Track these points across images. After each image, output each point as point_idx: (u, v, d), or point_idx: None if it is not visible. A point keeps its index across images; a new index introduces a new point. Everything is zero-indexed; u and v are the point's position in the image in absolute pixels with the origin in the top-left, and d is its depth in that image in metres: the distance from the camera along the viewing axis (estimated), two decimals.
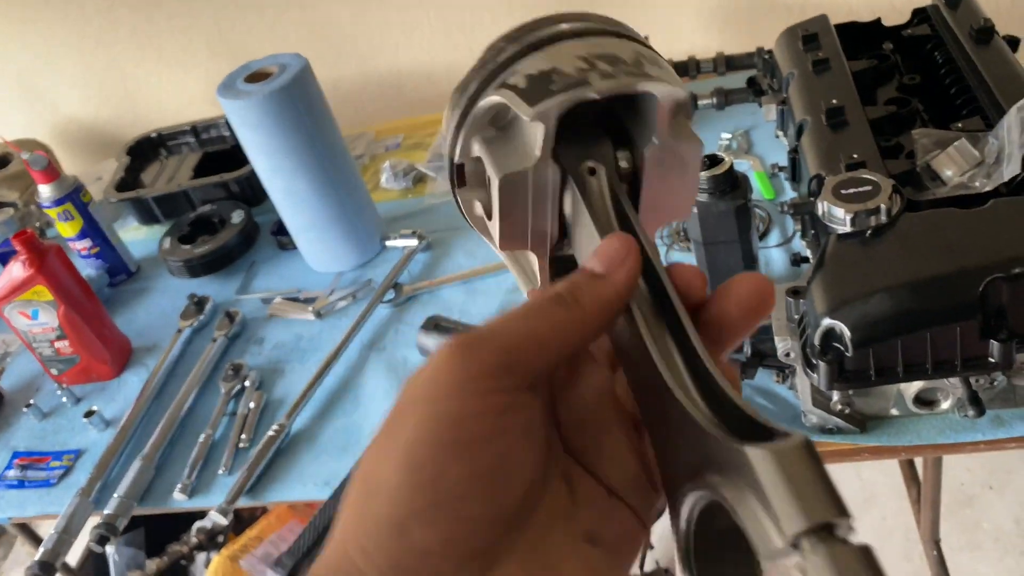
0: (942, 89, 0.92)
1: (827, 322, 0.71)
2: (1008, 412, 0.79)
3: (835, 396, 0.80)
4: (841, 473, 1.57)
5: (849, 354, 0.71)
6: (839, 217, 0.75)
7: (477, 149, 0.34)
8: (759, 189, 1.13)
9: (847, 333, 0.70)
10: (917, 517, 1.35)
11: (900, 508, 1.48)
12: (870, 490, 1.53)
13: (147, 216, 1.44)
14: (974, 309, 0.67)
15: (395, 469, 0.27)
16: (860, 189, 0.75)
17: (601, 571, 0.30)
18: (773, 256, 1.02)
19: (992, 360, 0.69)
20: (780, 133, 1.00)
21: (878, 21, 1.02)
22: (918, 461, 1.37)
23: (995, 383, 0.77)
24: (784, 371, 0.84)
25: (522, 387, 0.28)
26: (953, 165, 0.80)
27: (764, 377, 0.87)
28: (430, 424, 0.27)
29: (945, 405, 0.79)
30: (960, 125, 0.84)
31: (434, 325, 1.01)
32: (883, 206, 0.73)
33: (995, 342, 0.68)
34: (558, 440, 0.32)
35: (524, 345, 0.28)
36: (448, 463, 0.27)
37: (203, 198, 1.40)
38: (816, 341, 0.72)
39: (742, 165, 1.18)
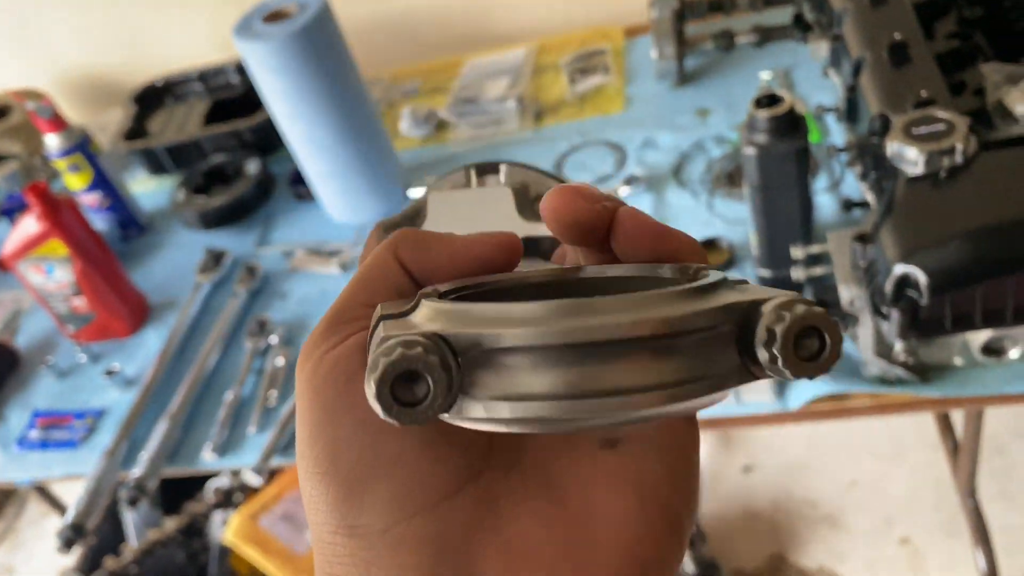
0: (1007, 22, 0.87)
1: (900, 268, 0.67)
2: None
3: (898, 345, 0.77)
4: (869, 424, 1.55)
5: (924, 302, 0.67)
6: (911, 158, 0.70)
7: None
8: None
9: (923, 280, 0.66)
10: (952, 468, 1.33)
11: (930, 459, 1.46)
12: (899, 442, 1.52)
13: (156, 167, 1.39)
14: None
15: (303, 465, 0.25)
16: (932, 128, 0.71)
17: (638, 482, 0.25)
18: (822, 201, 0.98)
19: None
20: (831, 71, 0.95)
21: None
22: (955, 412, 1.35)
23: None
24: (845, 320, 0.81)
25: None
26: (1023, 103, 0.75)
27: None
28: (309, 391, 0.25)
29: (1014, 354, 0.76)
30: None
31: None
32: (958, 146, 0.69)
33: None
34: None
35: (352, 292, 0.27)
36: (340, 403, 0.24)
37: (215, 147, 1.35)
38: (888, 289, 0.68)
39: None
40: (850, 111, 0.89)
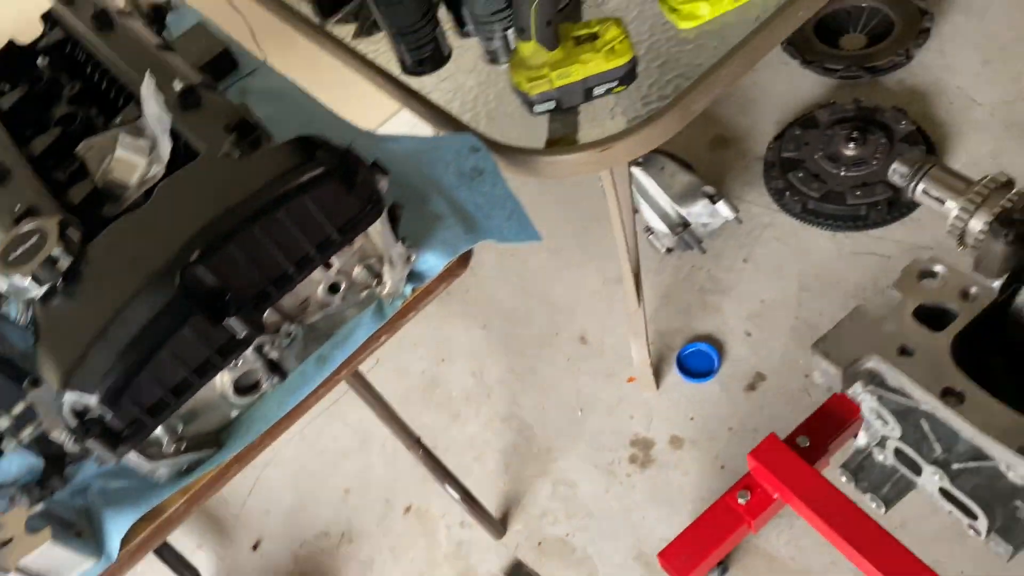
0: (101, 88, 0.86)
1: (69, 397, 0.62)
2: (324, 349, 0.79)
3: (165, 439, 0.73)
4: (327, 431, 1.58)
5: (110, 416, 0.63)
6: (26, 286, 0.65)
7: None
8: None
9: (94, 399, 0.62)
10: (394, 429, 1.41)
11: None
12: (363, 430, 1.57)
13: None
14: (188, 305, 0.63)
15: None
16: (28, 244, 0.66)
17: None
18: None
19: (242, 336, 0.66)
20: None
21: (11, 43, 0.92)
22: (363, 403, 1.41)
23: (292, 335, 0.77)
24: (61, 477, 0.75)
25: None
26: (128, 167, 0.74)
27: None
28: None
29: (267, 384, 0.77)
30: (119, 119, 0.79)
31: None
32: (56, 251, 0.65)
33: (231, 321, 0.65)
34: None
35: None
36: None
37: None
38: (71, 422, 0.63)
39: None
40: None
